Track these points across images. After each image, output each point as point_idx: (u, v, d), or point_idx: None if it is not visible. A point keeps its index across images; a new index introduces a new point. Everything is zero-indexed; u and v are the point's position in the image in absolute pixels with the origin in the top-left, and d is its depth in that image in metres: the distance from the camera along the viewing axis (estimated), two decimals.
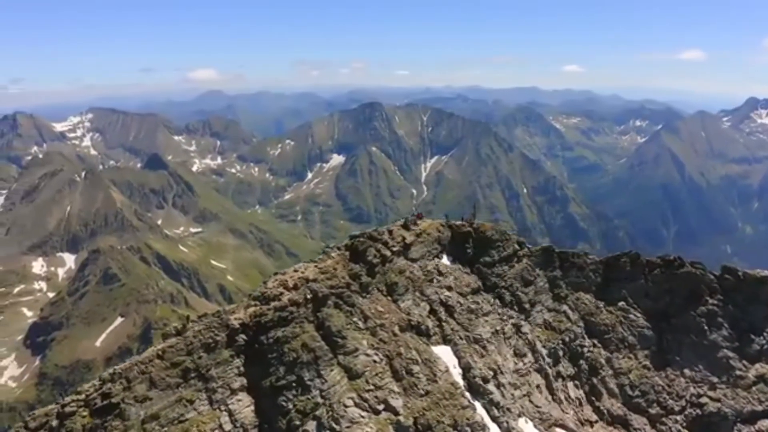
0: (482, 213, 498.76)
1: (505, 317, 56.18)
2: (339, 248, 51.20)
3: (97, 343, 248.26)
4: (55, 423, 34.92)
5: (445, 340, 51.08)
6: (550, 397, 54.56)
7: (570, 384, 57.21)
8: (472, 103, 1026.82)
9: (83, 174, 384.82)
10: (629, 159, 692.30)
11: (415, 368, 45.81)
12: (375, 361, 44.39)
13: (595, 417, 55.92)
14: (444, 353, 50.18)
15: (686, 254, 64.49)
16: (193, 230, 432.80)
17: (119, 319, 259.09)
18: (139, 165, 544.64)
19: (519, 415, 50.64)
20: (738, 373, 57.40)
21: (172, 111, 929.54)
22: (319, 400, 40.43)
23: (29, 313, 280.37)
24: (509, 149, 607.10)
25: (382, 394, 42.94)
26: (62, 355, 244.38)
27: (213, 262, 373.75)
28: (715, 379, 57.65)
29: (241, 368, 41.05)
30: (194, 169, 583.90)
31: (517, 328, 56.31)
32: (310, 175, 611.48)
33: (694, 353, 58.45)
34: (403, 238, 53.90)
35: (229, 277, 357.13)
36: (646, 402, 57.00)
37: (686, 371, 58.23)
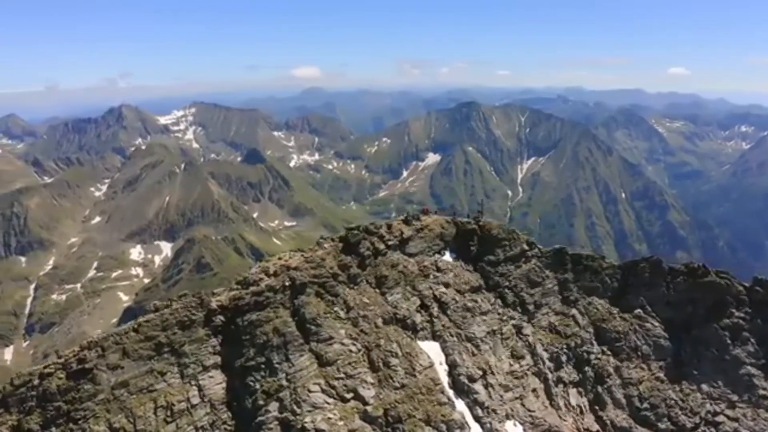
0: (579, 217, 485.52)
1: (505, 318, 55.06)
2: (333, 239, 52.33)
3: None
4: (36, 382, 38.43)
5: (435, 336, 50.97)
6: (547, 403, 53.04)
7: (572, 390, 55.25)
8: (573, 105, 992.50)
9: (183, 166, 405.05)
10: (733, 165, 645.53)
11: (394, 361, 46.20)
12: (351, 351, 45.23)
13: (596, 427, 53.68)
14: (432, 349, 50.14)
15: None
16: (287, 224, 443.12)
17: None
18: (238, 159, 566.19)
19: (506, 417, 49.76)
20: (761, 392, 53.36)
21: (273, 107, 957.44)
22: (284, 383, 41.87)
23: (125, 298, 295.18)
24: (608, 152, 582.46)
25: (353, 382, 43.73)
26: None
27: None
28: (734, 397, 53.83)
29: (217, 347, 43.18)
30: (292, 164, 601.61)
31: (518, 329, 55.03)
32: (405, 173, 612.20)
33: (714, 368, 54.76)
34: (402, 233, 54.11)
35: None
36: (656, 416, 53.99)
37: (703, 386, 54.68)
